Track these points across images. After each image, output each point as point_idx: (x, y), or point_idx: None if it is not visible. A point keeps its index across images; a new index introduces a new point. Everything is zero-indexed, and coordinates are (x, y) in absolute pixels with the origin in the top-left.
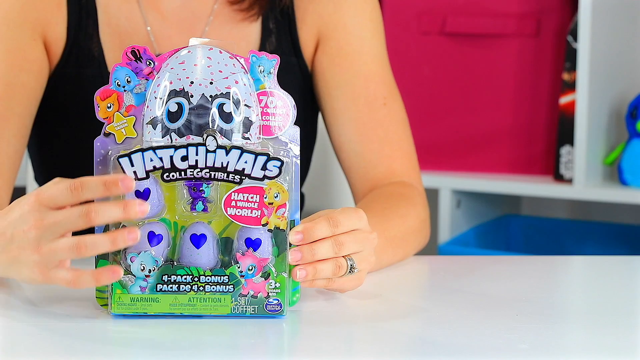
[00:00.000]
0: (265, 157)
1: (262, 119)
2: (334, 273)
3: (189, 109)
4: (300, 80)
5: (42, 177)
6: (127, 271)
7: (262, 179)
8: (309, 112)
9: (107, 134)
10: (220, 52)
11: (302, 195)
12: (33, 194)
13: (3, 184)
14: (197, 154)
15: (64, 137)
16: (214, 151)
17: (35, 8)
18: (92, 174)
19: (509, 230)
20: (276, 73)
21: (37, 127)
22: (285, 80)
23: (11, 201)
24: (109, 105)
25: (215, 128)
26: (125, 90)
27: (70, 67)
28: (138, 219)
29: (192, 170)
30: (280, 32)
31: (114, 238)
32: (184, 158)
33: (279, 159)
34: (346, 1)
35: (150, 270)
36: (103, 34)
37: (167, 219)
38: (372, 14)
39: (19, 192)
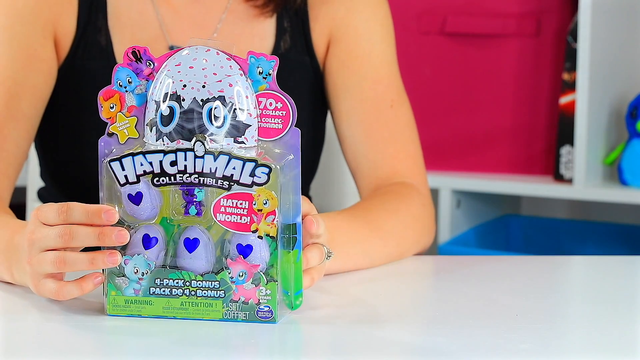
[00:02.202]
0: (253, 164)
1: (261, 121)
2: (320, 258)
3: (180, 112)
4: (312, 80)
5: (48, 171)
6: (121, 274)
7: (250, 186)
8: (318, 111)
9: (111, 134)
10: (218, 53)
11: (309, 198)
12: (38, 207)
13: (8, 184)
14: (185, 159)
15: (72, 129)
16: (202, 157)
17: (47, 5)
18: (97, 165)
19: (509, 230)
20: (275, 74)
21: (44, 119)
22: (298, 79)
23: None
24: (111, 106)
25: (204, 133)
26: (127, 91)
27: (79, 59)
28: (132, 223)
29: (182, 175)
30: (294, 31)
31: (93, 258)
32: (173, 163)
33: (267, 166)
34: (358, 5)
35: (143, 273)
36: (112, 27)
37: (163, 221)
38: (383, 19)
39: (19, 192)
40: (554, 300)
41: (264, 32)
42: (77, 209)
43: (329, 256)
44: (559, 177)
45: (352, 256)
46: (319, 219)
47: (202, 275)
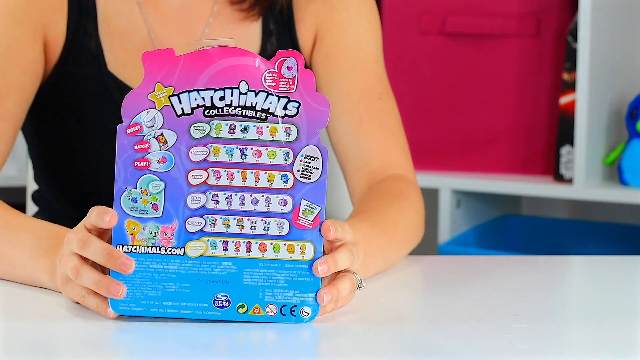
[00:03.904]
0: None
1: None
2: (351, 288)
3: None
4: None
5: (41, 175)
6: None
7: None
8: None
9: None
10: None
11: None
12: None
13: None
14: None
15: (63, 135)
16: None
17: (38, 7)
18: (91, 170)
19: (509, 230)
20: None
21: (36, 124)
22: None
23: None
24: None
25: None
26: None
27: (70, 65)
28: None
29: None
30: (280, 33)
31: (99, 282)
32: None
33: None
34: (342, 2)
35: None
36: (102, 33)
37: None
38: (369, 15)
39: (19, 192)
40: (554, 300)
41: (250, 35)
42: (93, 212)
43: (360, 287)
44: (559, 177)
45: (373, 265)
46: (336, 223)
47: None
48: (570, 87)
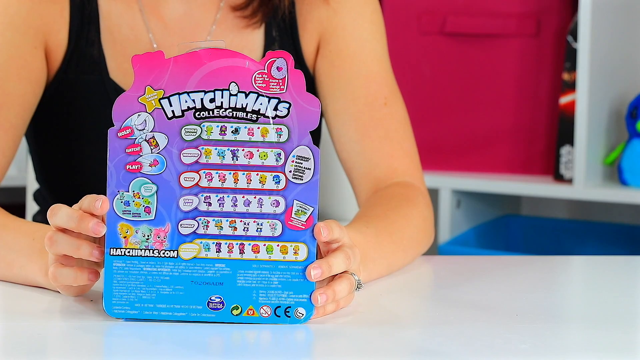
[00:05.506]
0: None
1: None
2: (349, 289)
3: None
4: None
5: (43, 180)
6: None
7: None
8: None
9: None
10: None
11: None
12: None
13: None
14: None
15: (65, 142)
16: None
17: (39, 15)
18: (92, 177)
19: (509, 230)
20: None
21: (38, 130)
22: None
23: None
24: None
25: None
26: None
27: (71, 73)
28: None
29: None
30: (283, 40)
31: (79, 247)
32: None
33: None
34: (345, 5)
35: None
36: (105, 40)
37: None
38: (372, 16)
39: (19, 192)
40: (554, 300)
41: (252, 42)
42: (85, 200)
43: (359, 287)
44: (559, 177)
45: (376, 271)
46: (331, 224)
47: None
48: (570, 87)
